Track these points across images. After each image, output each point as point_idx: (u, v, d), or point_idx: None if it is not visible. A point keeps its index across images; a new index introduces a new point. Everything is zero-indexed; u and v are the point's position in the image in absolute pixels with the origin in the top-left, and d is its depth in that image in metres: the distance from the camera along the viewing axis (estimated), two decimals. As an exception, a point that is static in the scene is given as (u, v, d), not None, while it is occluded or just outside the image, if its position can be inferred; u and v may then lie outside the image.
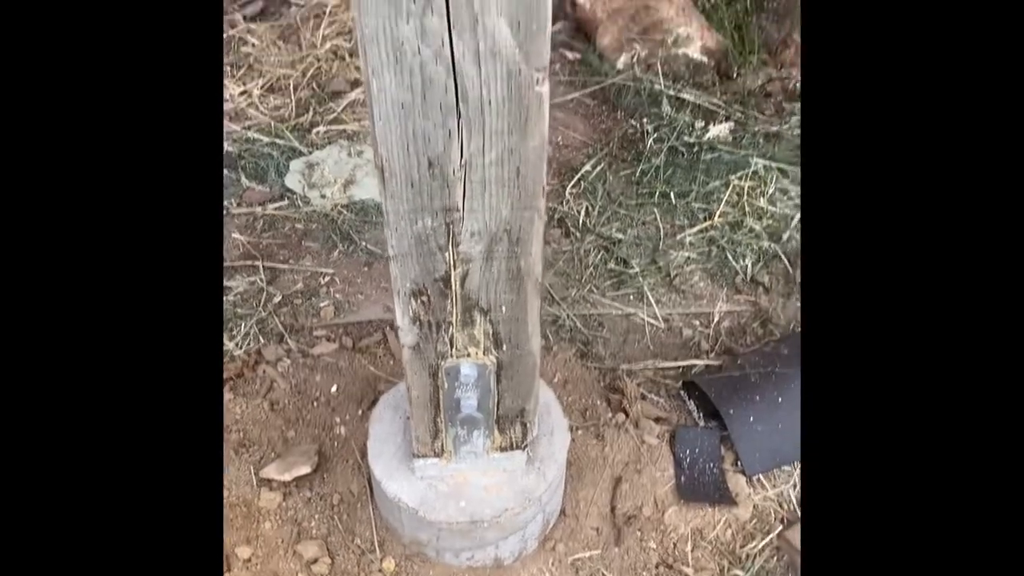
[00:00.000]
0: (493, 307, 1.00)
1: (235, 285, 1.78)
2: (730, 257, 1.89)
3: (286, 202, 2.00)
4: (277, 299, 1.76)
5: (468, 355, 1.05)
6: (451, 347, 1.04)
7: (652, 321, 1.76)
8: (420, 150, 0.84)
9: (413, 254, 0.93)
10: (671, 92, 2.31)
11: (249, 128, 2.19)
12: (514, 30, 0.75)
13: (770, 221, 1.96)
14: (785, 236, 1.92)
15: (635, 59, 2.41)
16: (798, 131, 2.20)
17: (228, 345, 1.65)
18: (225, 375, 1.58)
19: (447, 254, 0.94)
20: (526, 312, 1.02)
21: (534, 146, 0.85)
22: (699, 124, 2.24)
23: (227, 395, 1.55)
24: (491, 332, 1.03)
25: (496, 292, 0.98)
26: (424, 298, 0.98)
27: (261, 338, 1.68)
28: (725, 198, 2.02)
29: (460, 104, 0.80)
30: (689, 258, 1.90)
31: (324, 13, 2.63)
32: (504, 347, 1.05)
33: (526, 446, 1.22)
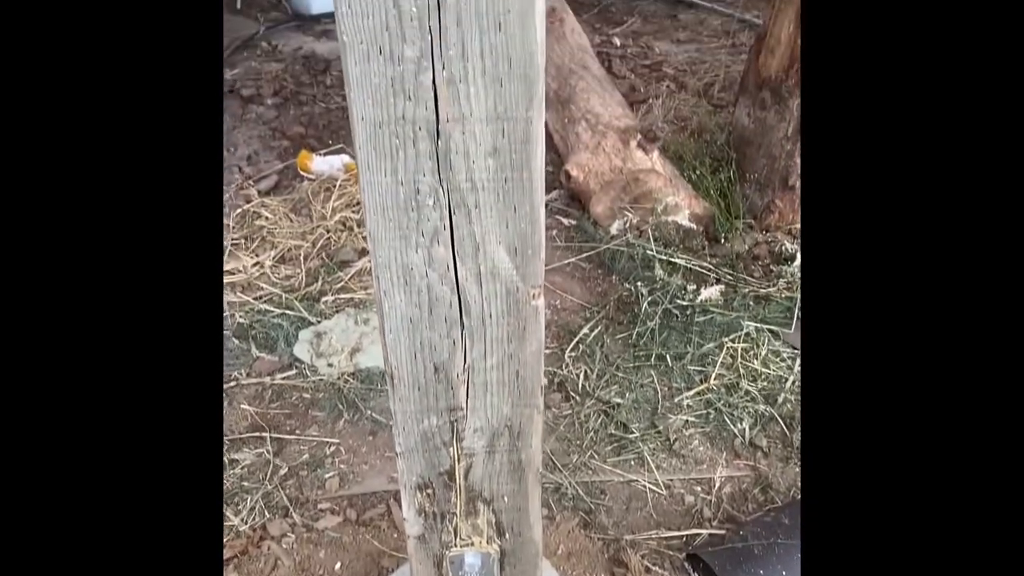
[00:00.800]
0: (496, 498, 1.04)
1: (242, 458, 1.81)
2: (728, 420, 1.93)
3: (294, 371, 2.06)
4: (283, 471, 1.79)
5: (472, 544, 1.08)
6: (455, 536, 1.07)
7: (654, 488, 1.78)
8: (427, 358, 0.91)
9: (419, 450, 0.98)
10: (663, 256, 2.43)
11: (260, 299, 2.29)
12: (512, 255, 0.84)
13: (764, 383, 2.02)
14: (780, 399, 1.96)
15: (627, 225, 2.55)
16: (787, 293, 2.29)
17: (233, 520, 1.66)
18: (230, 553, 1.59)
19: (451, 450, 0.99)
20: (527, 501, 1.05)
21: (532, 351, 0.92)
22: (691, 287, 2.34)
23: (232, 574, 1.55)
24: (494, 521, 1.06)
25: (498, 483, 1.02)
26: (429, 491, 1.02)
27: (266, 512, 1.69)
28: (720, 360, 2.08)
29: (463, 317, 0.88)
30: (688, 421, 1.94)
31: (334, 186, 2.80)
32: (507, 535, 1.08)
33: (531, 631, 1.22)
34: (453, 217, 0.81)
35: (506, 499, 1.04)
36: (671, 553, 1.62)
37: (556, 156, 2.90)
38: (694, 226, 2.52)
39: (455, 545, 1.08)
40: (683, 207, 2.51)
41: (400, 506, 1.06)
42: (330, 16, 4.16)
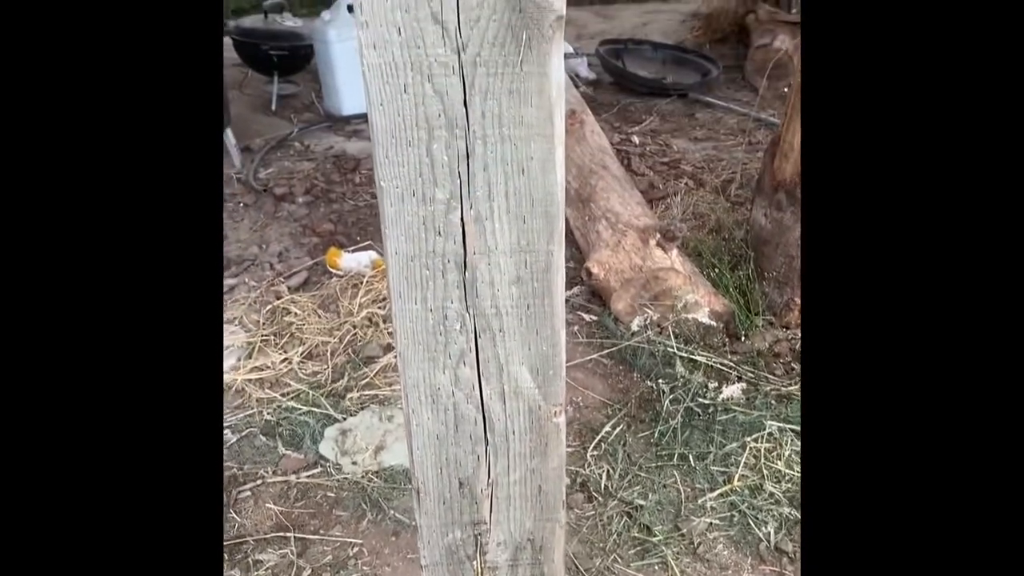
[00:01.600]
0: (518, 611, 1.05)
1: (266, 559, 1.82)
2: (752, 524, 1.91)
3: (319, 470, 2.09)
4: (307, 573, 1.79)
5: (495, 658, 1.08)
6: (478, 650, 1.07)
7: (678, 594, 1.76)
8: (452, 473, 0.94)
9: (444, 563, 1.00)
10: (684, 354, 2.46)
11: (287, 395, 2.34)
12: (534, 375, 0.88)
13: (789, 485, 2.01)
14: (804, 501, 1.95)
15: (648, 322, 2.58)
16: (808, 392, 2.30)
17: (255, 624, 1.66)
18: (251, 658, 1.58)
19: (475, 563, 1.00)
20: (550, 615, 1.06)
21: (553, 467, 0.95)
22: (712, 385, 2.36)
23: None
24: (517, 635, 1.07)
25: (521, 597, 1.04)
26: (453, 603, 1.03)
27: (288, 615, 1.69)
28: (743, 461, 2.08)
29: (488, 434, 0.92)
30: (712, 524, 1.93)
31: (361, 283, 2.88)
32: (530, 649, 1.08)
33: None
34: (479, 340, 0.86)
35: (529, 612, 1.05)
36: (697, 664, 1.59)
37: (577, 252, 2.97)
38: (714, 323, 2.55)
39: (478, 659, 1.08)
40: (703, 304, 2.55)
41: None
42: (360, 117, 4.36)
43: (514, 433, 0.92)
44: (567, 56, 4.98)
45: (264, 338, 2.59)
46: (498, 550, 1.00)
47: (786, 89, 4.30)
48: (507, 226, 0.79)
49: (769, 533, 1.88)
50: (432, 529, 0.98)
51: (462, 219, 0.78)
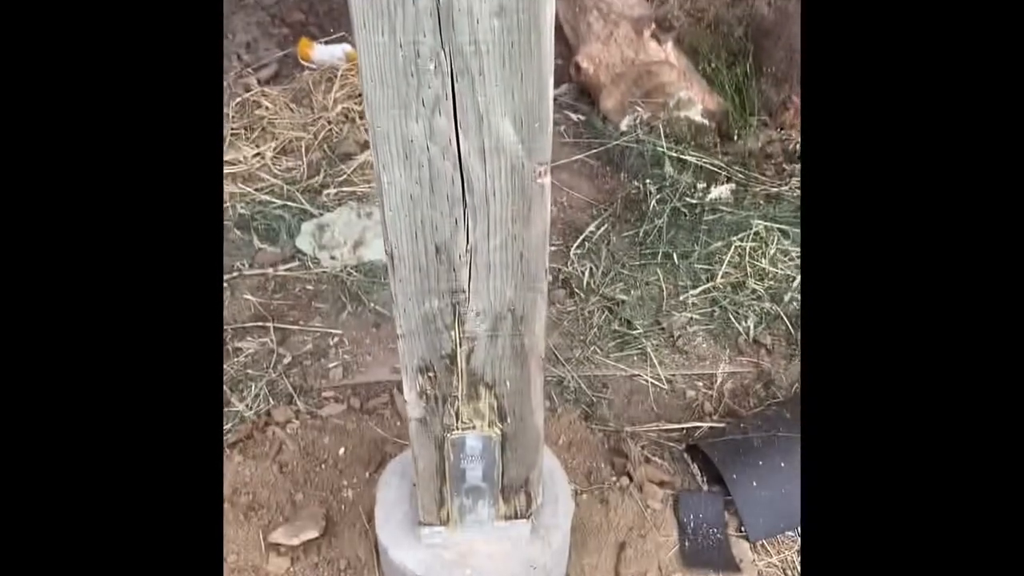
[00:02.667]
0: (498, 382, 1.03)
1: (246, 346, 1.82)
2: (732, 318, 1.92)
3: (297, 263, 2.04)
4: (287, 360, 1.80)
5: (473, 427, 1.08)
6: (457, 420, 1.07)
7: (656, 383, 1.78)
8: (428, 237, 0.88)
9: (420, 333, 0.97)
10: (673, 154, 2.37)
11: (261, 190, 2.25)
12: (517, 128, 0.80)
13: (772, 282, 2.00)
14: (787, 298, 1.95)
15: (638, 121, 2.47)
16: (799, 192, 2.24)
17: (238, 406, 1.68)
18: (235, 437, 1.61)
19: (453, 333, 0.97)
20: (530, 387, 1.05)
21: (536, 233, 0.89)
22: (701, 185, 2.29)
23: (237, 457, 1.57)
24: (496, 406, 1.06)
25: (501, 368, 1.01)
26: (431, 374, 1.01)
27: (271, 399, 1.71)
28: (727, 259, 2.05)
29: (466, 195, 0.85)
30: (692, 319, 1.93)
31: (335, 76, 2.71)
32: (508, 420, 1.08)
33: (530, 515, 1.24)
34: (456, 84, 0.76)
35: (508, 383, 1.03)
36: (671, 445, 1.64)
37: (565, 48, 2.78)
38: (707, 122, 2.44)
39: (456, 428, 1.08)
40: (696, 102, 2.43)
41: (403, 393, 1.05)
42: None
43: (495, 194, 0.85)
44: None
45: (234, 132, 2.46)
46: (477, 320, 0.96)
47: None
48: (488, -62, 0.67)
49: (748, 327, 1.89)
50: (407, 297, 0.93)
51: (435, -72, 0.66)
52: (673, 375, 1.80)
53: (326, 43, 2.89)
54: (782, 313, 1.91)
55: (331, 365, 1.79)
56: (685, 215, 2.21)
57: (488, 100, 0.77)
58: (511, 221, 0.87)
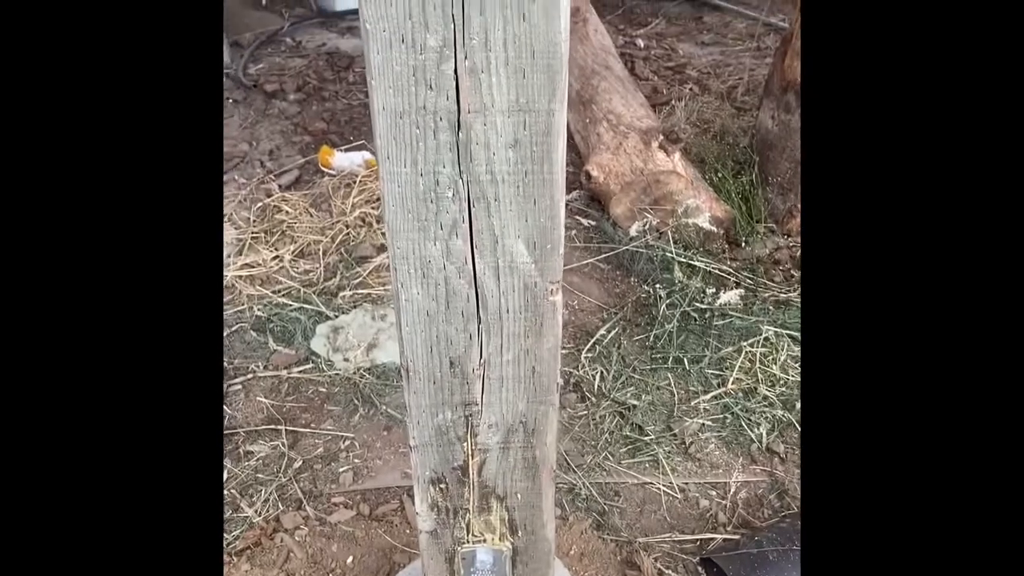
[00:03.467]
0: (509, 494, 1.03)
1: (258, 450, 1.82)
2: (745, 425, 1.91)
3: (311, 365, 2.07)
4: (298, 464, 1.79)
5: (484, 541, 1.07)
6: (467, 533, 1.06)
7: (668, 491, 1.76)
8: (443, 352, 0.90)
9: (433, 444, 0.98)
10: (682, 259, 2.41)
11: (279, 292, 2.30)
12: (530, 250, 0.84)
13: (783, 389, 2.00)
14: (799, 405, 1.94)
15: (647, 227, 2.53)
16: (807, 298, 2.27)
17: (247, 511, 1.67)
18: (243, 544, 1.59)
19: (465, 444, 0.98)
20: (541, 499, 1.04)
21: (548, 347, 0.91)
22: (710, 290, 2.32)
23: (244, 565, 1.55)
24: (507, 519, 1.05)
25: (512, 480, 1.02)
26: (443, 486, 1.02)
27: (280, 504, 1.70)
28: (738, 364, 2.06)
29: (480, 312, 0.87)
30: (704, 425, 1.92)
31: (354, 182, 2.81)
32: (519, 533, 1.07)
33: (541, 631, 1.21)
34: (472, 209, 0.80)
35: (519, 496, 1.03)
36: (684, 557, 1.61)
37: (577, 156, 2.89)
38: (715, 229, 2.50)
39: (467, 541, 1.07)
40: (704, 210, 2.49)
41: (413, 501, 1.06)
42: (354, 13, 4.18)
43: (508, 311, 0.88)
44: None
45: (255, 235, 2.54)
46: (489, 432, 0.97)
47: (799, -7, 4.12)
48: (505, 80, 0.72)
49: (761, 434, 1.88)
50: (422, 409, 0.95)
51: (455, 71, 0.72)
52: (686, 483, 1.78)
53: (346, 150, 3.01)
54: (794, 421, 1.91)
55: (342, 469, 1.79)
56: (695, 320, 2.23)
57: (503, 224, 0.81)
58: (524, 336, 0.90)
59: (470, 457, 0.99)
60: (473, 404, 0.94)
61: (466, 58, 0.71)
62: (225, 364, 2.03)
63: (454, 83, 0.72)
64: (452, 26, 0.69)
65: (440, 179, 0.78)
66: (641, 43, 4.04)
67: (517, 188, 0.79)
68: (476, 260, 0.83)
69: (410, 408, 0.95)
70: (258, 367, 2.05)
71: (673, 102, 3.36)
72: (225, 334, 2.14)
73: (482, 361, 0.91)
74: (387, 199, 0.80)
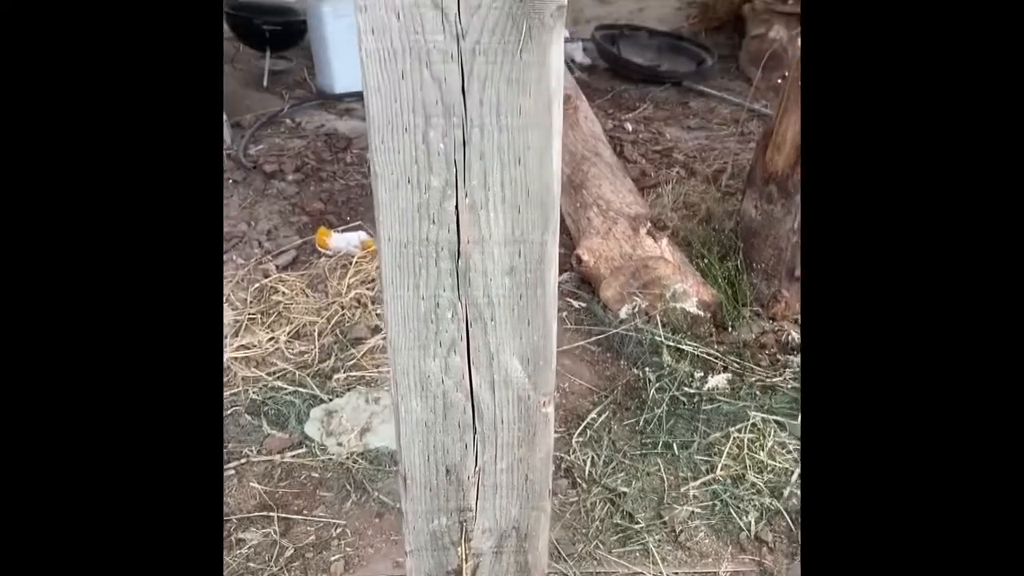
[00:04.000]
0: (502, 597, 1.05)
1: (250, 537, 1.82)
2: (733, 513, 1.93)
3: (304, 450, 2.08)
4: (289, 552, 1.80)
5: (477, 642, 1.09)
6: (461, 634, 1.08)
7: (658, 581, 1.77)
8: (439, 460, 0.94)
9: (428, 549, 1.00)
10: (671, 343, 2.47)
11: (273, 375, 2.33)
12: (524, 365, 0.88)
13: (771, 476, 2.02)
14: (786, 492, 1.97)
15: (636, 310, 2.59)
16: (793, 384, 2.32)
17: (237, 602, 1.67)
18: (232, 636, 1.59)
19: (460, 549, 1.01)
20: (533, 601, 1.07)
21: (541, 456, 0.95)
22: (698, 374, 2.37)
23: (233, 659, 1.54)
24: (499, 621, 1.07)
25: (505, 583, 1.04)
26: (437, 589, 1.04)
27: (270, 594, 1.70)
28: (726, 451, 2.09)
29: (476, 422, 0.92)
30: (693, 512, 1.94)
31: (350, 263, 2.87)
32: (512, 635, 1.09)
33: None
34: (470, 329, 0.85)
35: (512, 599, 1.06)
36: (675, 651, 1.61)
37: (567, 238, 2.97)
38: (702, 313, 2.56)
39: (460, 643, 1.09)
40: (691, 294, 2.56)
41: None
42: (353, 95, 4.32)
43: (503, 422, 0.92)
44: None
45: (251, 316, 2.58)
46: (483, 537, 1.00)
47: (780, 80, 4.29)
48: (502, 216, 0.79)
49: (750, 523, 1.90)
50: (417, 515, 0.98)
51: (457, 207, 0.78)
52: (676, 573, 1.79)
53: (343, 231, 3.08)
54: (782, 509, 1.93)
55: (333, 558, 1.79)
56: (684, 404, 2.27)
57: (499, 342, 0.86)
58: (517, 446, 0.94)
59: (464, 561, 1.02)
60: (468, 510, 0.98)
61: (466, 196, 0.77)
62: (219, 449, 2.05)
63: (455, 218, 0.79)
64: (454, 170, 0.76)
65: (440, 302, 0.84)
66: (629, 127, 4.18)
67: (512, 310, 0.85)
68: (473, 375, 0.88)
69: (407, 515, 0.98)
70: (252, 451, 2.06)
71: (660, 186, 3.47)
72: (220, 418, 2.16)
73: (477, 469, 0.95)
74: (390, 319, 0.85)
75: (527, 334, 0.86)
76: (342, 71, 4.27)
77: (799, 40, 2.47)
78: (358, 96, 4.33)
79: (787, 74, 4.09)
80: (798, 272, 2.51)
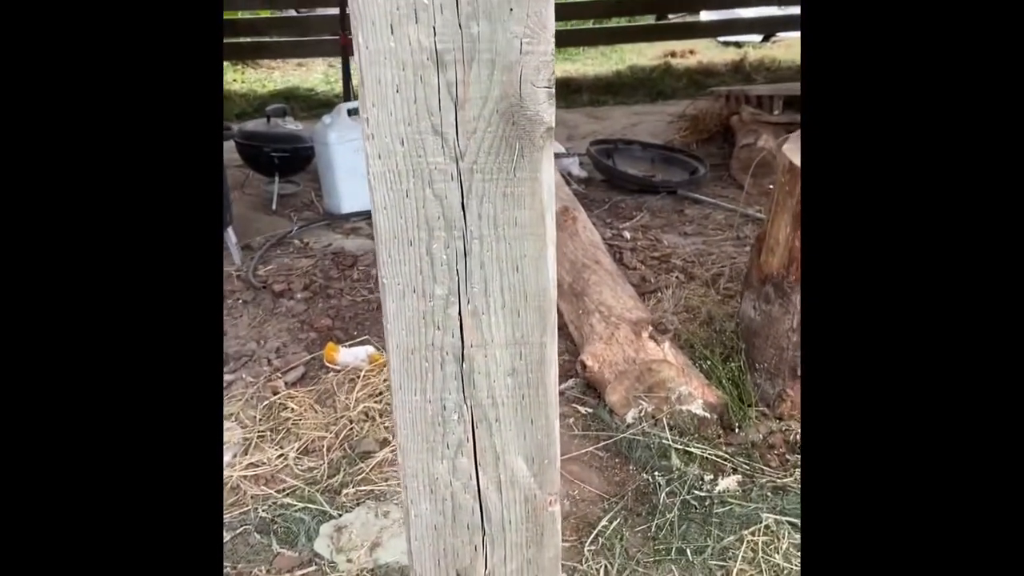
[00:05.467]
0: None
1: (257, 662, 1.78)
2: (753, 620, 1.88)
3: (314, 567, 2.06)
4: (298, 676, 1.75)
5: None
6: None
7: None
8: (450, 564, 0.95)
9: (441, 658, 1.00)
10: (679, 446, 2.46)
11: (283, 492, 2.32)
12: (529, 464, 0.91)
13: (788, 579, 1.98)
14: (805, 595, 1.92)
15: (643, 414, 2.60)
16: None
17: None
18: None
19: (472, 657, 1.00)
20: None
21: (549, 556, 0.96)
22: (708, 477, 2.35)
23: None
24: None
25: None
26: None
27: None
28: (740, 554, 2.06)
29: (484, 524, 0.93)
30: (712, 621, 1.89)
31: (358, 377, 2.90)
32: None
33: None
34: (476, 430, 0.89)
35: None
36: None
37: (571, 345, 3.01)
38: (708, 415, 2.57)
39: None
40: (696, 396, 2.58)
41: None
42: (359, 215, 4.47)
43: (510, 523, 0.94)
44: (560, 156, 5.15)
45: (260, 434, 2.60)
46: (495, 643, 0.99)
47: (771, 186, 4.44)
48: (503, 320, 0.84)
49: (771, 630, 1.85)
50: (429, 622, 0.98)
51: (460, 313, 0.83)
52: None
53: (350, 346, 3.13)
54: (803, 613, 1.88)
55: None
56: (696, 508, 2.25)
57: (504, 442, 0.90)
58: (526, 547, 0.95)
59: (477, 670, 1.01)
60: (479, 614, 0.98)
61: (469, 303, 0.83)
62: (228, 570, 2.02)
63: (458, 323, 0.84)
64: (456, 279, 0.81)
65: (447, 404, 0.87)
66: (628, 235, 4.30)
67: (516, 410, 0.88)
68: (480, 476, 0.91)
69: (418, 621, 0.98)
70: (261, 572, 2.04)
71: (660, 291, 3.54)
72: (229, 537, 2.14)
73: (487, 572, 0.96)
74: (399, 424, 0.89)
75: (531, 433, 0.90)
76: (348, 192, 4.44)
77: (784, 148, 2.60)
78: (364, 215, 4.49)
79: (776, 180, 4.25)
80: (800, 370, 2.54)
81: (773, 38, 7.94)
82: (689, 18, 8.10)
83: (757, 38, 7.93)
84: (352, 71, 5.49)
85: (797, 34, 7.79)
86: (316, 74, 8.17)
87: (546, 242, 0.81)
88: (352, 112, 4.43)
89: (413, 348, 0.84)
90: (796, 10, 7.69)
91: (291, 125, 4.77)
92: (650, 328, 2.71)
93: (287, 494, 2.31)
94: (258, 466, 2.43)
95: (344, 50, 5.44)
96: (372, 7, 0.69)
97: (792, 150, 2.51)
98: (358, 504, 2.28)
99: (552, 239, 0.82)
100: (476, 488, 0.91)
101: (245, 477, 2.39)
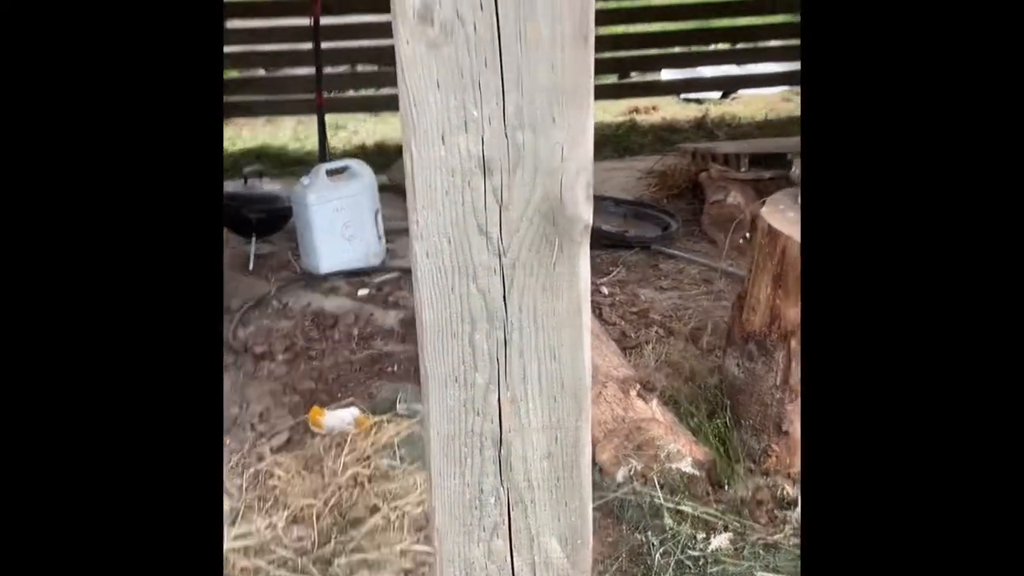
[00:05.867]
0: None
1: None
2: None
3: (309, 643, 2.02)
4: None
5: None
6: None
7: None
8: (484, 646, 0.96)
9: None
10: (670, 504, 2.48)
11: (273, 563, 2.29)
12: (563, 546, 0.93)
13: (787, 639, 2.00)
14: (805, 655, 1.94)
15: (633, 473, 2.62)
16: (794, 540, 2.33)
17: None
18: None
19: None
20: None
21: (582, 633, 0.98)
22: (700, 535, 2.37)
23: None
24: None
25: None
26: None
27: None
28: (739, 615, 2.07)
29: (520, 602, 0.95)
30: None
31: (346, 441, 2.88)
32: None
33: None
34: (511, 513, 0.91)
35: None
36: None
37: (557, 404, 3.03)
38: (697, 472, 2.59)
39: None
40: (685, 454, 2.61)
41: None
42: (337, 274, 4.48)
43: (544, 601, 0.95)
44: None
45: (248, 504, 2.55)
46: None
47: (742, 240, 4.56)
48: (540, 405, 0.87)
49: None
50: None
51: (499, 400, 0.86)
52: None
53: (335, 409, 3.11)
54: (804, 673, 1.89)
55: None
56: (690, 568, 2.26)
57: (539, 524, 0.92)
58: (558, 625, 0.96)
59: None
60: None
61: (507, 390, 0.85)
62: (223, 648, 1.97)
63: (497, 410, 0.86)
64: (496, 367, 0.84)
65: (484, 488, 0.90)
66: (605, 291, 4.37)
67: (551, 492, 0.91)
68: (515, 559, 0.93)
69: None
70: (255, 648, 1.99)
71: (641, 346, 3.59)
72: (221, 613, 2.09)
73: (521, 653, 0.97)
74: (437, 507, 0.90)
75: (565, 515, 0.92)
76: (327, 252, 4.45)
77: (763, 212, 2.68)
78: (342, 275, 4.50)
79: (747, 235, 4.37)
80: (785, 426, 2.59)
81: (732, 95, 8.21)
82: (650, 76, 8.34)
83: (717, 95, 8.19)
84: (328, 130, 5.57)
85: (756, 91, 8.08)
86: (286, 131, 8.21)
87: (582, 331, 0.85)
88: (332, 172, 4.47)
89: (453, 435, 0.87)
90: (755, 68, 8.00)
91: (268, 186, 4.79)
92: (638, 386, 2.75)
93: (279, 566, 2.27)
94: (246, 537, 2.39)
95: (320, 110, 5.50)
96: (425, 118, 0.73)
97: (771, 213, 2.60)
98: (352, 574, 2.25)
99: (587, 327, 0.85)
100: (511, 570, 0.93)
101: (234, 549, 2.34)
